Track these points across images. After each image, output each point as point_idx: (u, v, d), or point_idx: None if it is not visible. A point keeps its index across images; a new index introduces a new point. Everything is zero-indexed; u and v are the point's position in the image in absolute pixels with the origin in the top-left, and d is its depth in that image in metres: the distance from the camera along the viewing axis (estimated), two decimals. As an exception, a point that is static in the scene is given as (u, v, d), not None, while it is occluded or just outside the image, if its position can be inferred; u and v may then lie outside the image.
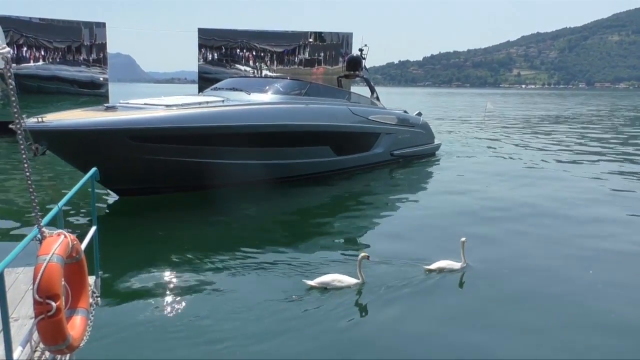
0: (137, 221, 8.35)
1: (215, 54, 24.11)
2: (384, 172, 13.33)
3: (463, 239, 6.60)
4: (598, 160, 15.74)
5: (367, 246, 7.23)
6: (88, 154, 7.84)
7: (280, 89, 11.42)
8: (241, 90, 10.90)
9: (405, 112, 15.64)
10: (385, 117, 13.64)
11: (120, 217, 8.55)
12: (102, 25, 22.70)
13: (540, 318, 5.06)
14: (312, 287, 5.72)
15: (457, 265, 6.26)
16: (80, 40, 21.99)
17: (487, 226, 8.19)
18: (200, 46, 23.75)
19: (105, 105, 9.31)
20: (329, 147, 11.53)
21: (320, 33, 24.77)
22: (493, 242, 7.47)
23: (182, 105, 9.34)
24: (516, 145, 19.21)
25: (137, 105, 9.30)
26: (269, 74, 23.81)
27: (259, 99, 10.56)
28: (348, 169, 12.44)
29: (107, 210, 8.74)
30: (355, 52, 16.60)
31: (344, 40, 24.75)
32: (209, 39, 23.70)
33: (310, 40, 24.40)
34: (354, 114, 12.26)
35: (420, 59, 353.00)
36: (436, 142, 16.52)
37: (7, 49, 2.85)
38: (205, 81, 21.97)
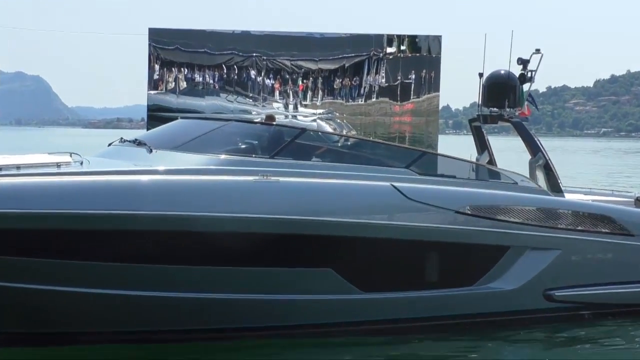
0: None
1: (194, 74, 24.36)
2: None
3: None
4: None
5: None
6: None
7: (223, 144, 11.68)
8: (144, 145, 11.46)
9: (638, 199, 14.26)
10: (533, 209, 12.39)
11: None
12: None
13: None
14: None
15: None
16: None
17: None
18: (154, 60, 24.11)
19: None
20: (331, 272, 10.88)
21: (405, 36, 25.07)
22: None
23: None
24: None
25: None
26: (301, 117, 24.23)
27: (162, 162, 10.81)
28: (401, 321, 11.41)
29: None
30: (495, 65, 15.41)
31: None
32: (169, 49, 24.15)
33: (389, 50, 24.81)
34: (412, 199, 11.31)
35: (590, 84, 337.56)
36: None
37: None
38: (159, 122, 21.51)
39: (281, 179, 10.68)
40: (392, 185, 11.27)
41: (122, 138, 12.43)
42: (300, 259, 10.69)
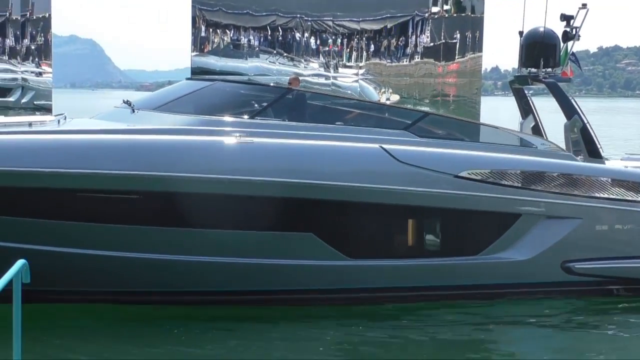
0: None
1: (239, 35, 23.79)
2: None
3: None
4: None
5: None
6: None
7: (206, 104, 11.36)
8: (128, 107, 11.46)
9: None
10: (550, 174, 11.55)
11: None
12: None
13: None
14: None
15: None
16: (6, 13, 22.58)
17: None
18: (199, 22, 23.58)
19: None
20: (312, 236, 10.40)
21: None
22: None
23: None
24: None
25: None
26: (341, 78, 23.84)
27: (138, 122, 10.80)
28: (393, 290, 10.85)
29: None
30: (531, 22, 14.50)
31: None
32: (212, 11, 23.56)
33: (436, 10, 24.25)
34: (403, 162, 10.65)
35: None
36: None
37: None
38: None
39: (256, 139, 10.28)
40: (381, 147, 10.69)
41: (123, 100, 12.32)
42: (279, 223, 10.19)
